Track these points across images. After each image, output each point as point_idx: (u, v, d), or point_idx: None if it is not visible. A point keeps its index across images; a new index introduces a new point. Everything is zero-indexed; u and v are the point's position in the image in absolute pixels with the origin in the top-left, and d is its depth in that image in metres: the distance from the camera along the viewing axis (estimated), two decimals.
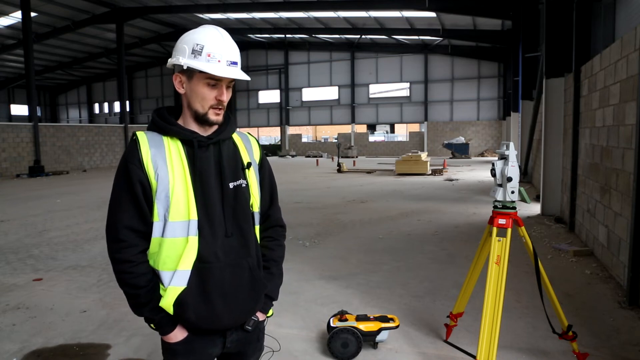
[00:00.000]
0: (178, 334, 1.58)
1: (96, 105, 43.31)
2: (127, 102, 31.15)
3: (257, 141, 1.77)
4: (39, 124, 21.43)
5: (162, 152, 1.51)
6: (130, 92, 39.04)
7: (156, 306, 1.54)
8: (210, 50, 1.48)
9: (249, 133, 1.78)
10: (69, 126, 24.35)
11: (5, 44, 28.60)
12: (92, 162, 24.54)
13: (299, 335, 3.59)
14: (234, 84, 1.59)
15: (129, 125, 26.91)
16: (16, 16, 23.29)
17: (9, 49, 29.04)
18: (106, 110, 42.65)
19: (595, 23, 6.99)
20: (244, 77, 1.55)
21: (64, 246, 6.76)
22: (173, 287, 1.52)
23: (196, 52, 1.48)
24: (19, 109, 41.38)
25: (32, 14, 21.47)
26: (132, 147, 1.52)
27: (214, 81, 1.50)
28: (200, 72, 1.48)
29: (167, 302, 1.52)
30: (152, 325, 1.59)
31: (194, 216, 1.51)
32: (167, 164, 1.50)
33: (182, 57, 1.51)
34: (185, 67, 1.50)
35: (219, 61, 1.48)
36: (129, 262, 1.51)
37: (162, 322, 1.55)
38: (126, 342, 3.53)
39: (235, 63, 1.52)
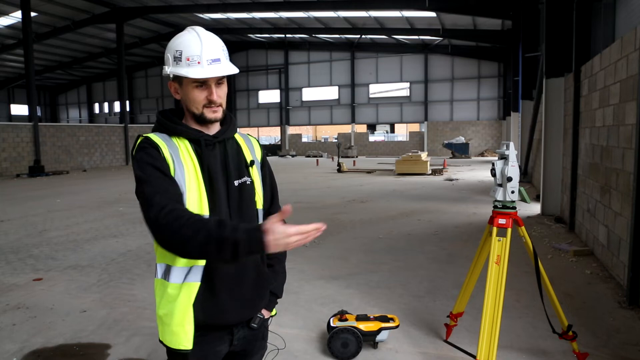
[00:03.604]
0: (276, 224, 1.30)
1: (96, 105, 43.28)
2: (127, 102, 31.13)
3: (258, 141, 1.81)
4: (39, 123, 21.43)
5: (176, 152, 1.54)
6: (130, 92, 39.00)
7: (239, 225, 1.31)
8: (188, 53, 1.50)
9: (248, 134, 1.82)
10: (69, 126, 24.35)
11: (5, 44, 28.58)
12: (92, 162, 24.53)
13: (299, 335, 3.59)
14: (228, 80, 1.61)
15: (129, 125, 26.91)
16: (16, 16, 23.28)
17: (9, 49, 29.03)
18: (106, 110, 42.62)
19: (595, 23, 6.99)
20: (229, 71, 1.54)
21: (64, 246, 6.76)
22: (188, 283, 1.51)
23: (177, 59, 1.51)
24: (19, 109, 41.35)
25: (32, 14, 21.46)
26: (147, 143, 1.51)
27: (200, 83, 1.52)
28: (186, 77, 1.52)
29: (184, 305, 1.49)
30: (250, 241, 1.27)
31: (207, 212, 1.53)
32: (182, 163, 1.53)
33: (167, 66, 1.56)
34: (171, 76, 1.55)
35: (198, 62, 1.49)
36: (180, 217, 1.33)
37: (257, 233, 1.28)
38: (126, 342, 3.53)
39: (217, 60, 1.51)
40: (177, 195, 1.45)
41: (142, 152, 1.50)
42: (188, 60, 1.49)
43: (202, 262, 1.53)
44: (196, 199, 1.53)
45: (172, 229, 1.33)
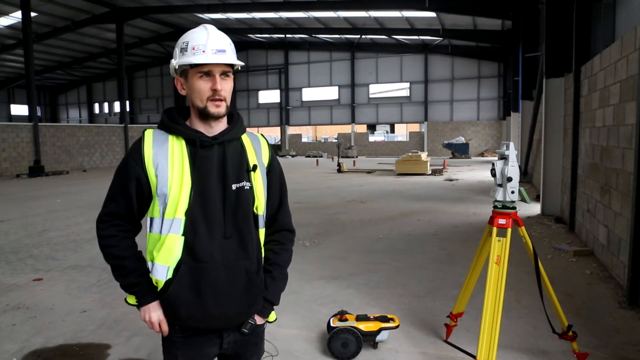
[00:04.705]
0: (157, 310, 1.60)
1: (96, 105, 43.29)
2: (127, 102, 31.14)
3: (268, 143, 1.76)
4: (39, 124, 21.42)
5: (164, 151, 1.55)
6: (130, 92, 39.01)
7: (144, 272, 1.62)
8: (194, 44, 1.53)
9: (261, 134, 1.77)
10: (68, 126, 24.35)
11: (5, 44, 28.58)
12: (92, 162, 24.53)
13: (300, 335, 3.59)
14: (232, 76, 1.60)
15: (129, 125, 26.89)
16: (16, 16, 23.28)
17: (9, 49, 29.03)
18: (106, 110, 42.63)
19: (595, 23, 6.99)
20: (233, 61, 1.55)
21: (64, 246, 6.76)
22: (154, 278, 1.61)
23: (183, 50, 1.54)
24: (19, 109, 41.35)
25: (32, 14, 21.45)
26: (137, 144, 1.57)
27: (204, 72, 1.53)
28: (191, 67, 1.52)
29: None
30: (134, 294, 1.64)
31: (180, 215, 1.53)
32: (168, 162, 1.53)
33: (174, 60, 1.58)
34: (177, 67, 1.56)
35: (203, 51, 1.51)
36: (113, 236, 1.62)
37: (147, 287, 1.61)
38: (126, 342, 3.53)
39: (222, 51, 1.53)
40: (129, 212, 1.61)
41: (125, 156, 1.60)
42: (194, 49, 1.52)
43: (167, 263, 1.55)
44: (175, 200, 1.52)
45: (102, 244, 1.65)
